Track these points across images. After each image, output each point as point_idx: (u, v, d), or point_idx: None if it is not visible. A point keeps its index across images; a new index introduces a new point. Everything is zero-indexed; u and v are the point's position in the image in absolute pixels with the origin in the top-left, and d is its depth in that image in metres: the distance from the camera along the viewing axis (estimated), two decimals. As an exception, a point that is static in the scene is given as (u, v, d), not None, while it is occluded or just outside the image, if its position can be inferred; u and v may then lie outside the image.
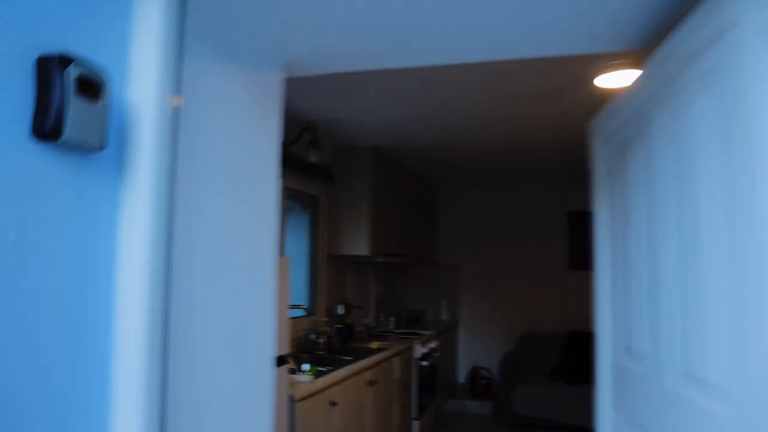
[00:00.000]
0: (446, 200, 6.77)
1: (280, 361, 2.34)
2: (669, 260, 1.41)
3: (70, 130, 1.00)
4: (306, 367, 3.05)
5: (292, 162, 3.75)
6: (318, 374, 3.03)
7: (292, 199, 4.31)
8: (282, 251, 3.46)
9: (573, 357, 5.78)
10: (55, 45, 1.00)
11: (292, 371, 2.94)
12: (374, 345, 4.11)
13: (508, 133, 4.34)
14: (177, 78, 1.27)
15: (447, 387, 6.05)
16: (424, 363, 4.79)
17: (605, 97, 2.99)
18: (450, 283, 6.66)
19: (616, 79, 2.86)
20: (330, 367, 3.25)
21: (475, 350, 6.54)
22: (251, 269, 1.72)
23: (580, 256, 6.23)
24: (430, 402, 5.19)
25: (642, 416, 1.64)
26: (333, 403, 3.02)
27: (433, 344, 5.13)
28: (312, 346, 3.93)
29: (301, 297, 4.37)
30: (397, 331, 5.37)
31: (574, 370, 5.66)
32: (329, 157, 4.56)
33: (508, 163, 5.40)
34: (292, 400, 2.58)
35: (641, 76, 1.62)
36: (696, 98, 1.26)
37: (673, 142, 1.39)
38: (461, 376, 6.55)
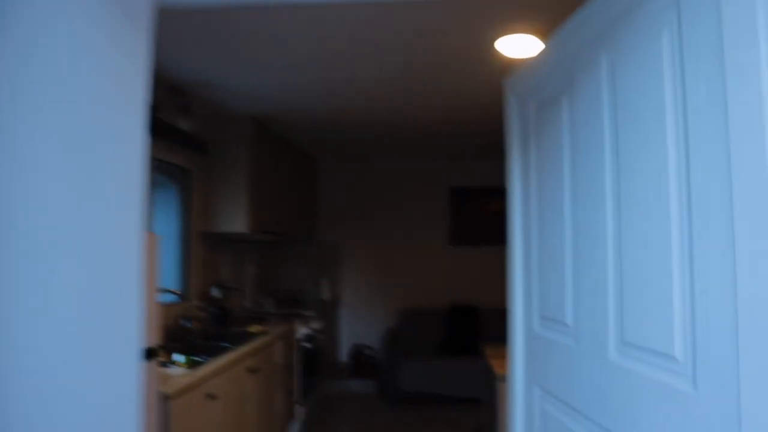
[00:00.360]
0: (327, 176, 6.54)
1: (150, 354, 2.00)
2: (598, 227, 1.31)
3: None
4: (179, 358, 2.71)
5: (160, 129, 3.32)
6: (193, 365, 2.70)
7: (160, 171, 3.86)
8: (149, 228, 3.06)
9: (456, 331, 5.86)
10: None
11: (164, 364, 2.59)
12: (254, 329, 3.82)
13: (397, 108, 4.20)
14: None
15: (330, 368, 5.89)
16: (307, 344, 4.58)
17: (503, 66, 2.92)
18: (331, 261, 6.47)
19: (518, 45, 2.74)
20: (206, 357, 2.92)
21: (358, 328, 6.43)
22: (109, 247, 1.38)
23: (462, 232, 6.34)
24: (315, 385, 5.00)
25: (562, 386, 1.55)
26: (211, 396, 2.71)
27: (315, 325, 4.92)
28: (185, 334, 3.55)
29: (171, 280, 3.96)
30: (278, 312, 5.09)
31: (458, 344, 5.75)
32: (203, 126, 4.14)
33: (393, 139, 5.28)
34: (166, 398, 2.25)
35: (575, 21, 1.46)
36: (652, 39, 1.12)
37: (615, 88, 1.26)
38: (344, 355, 6.42)
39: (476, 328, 5.86)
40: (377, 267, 6.42)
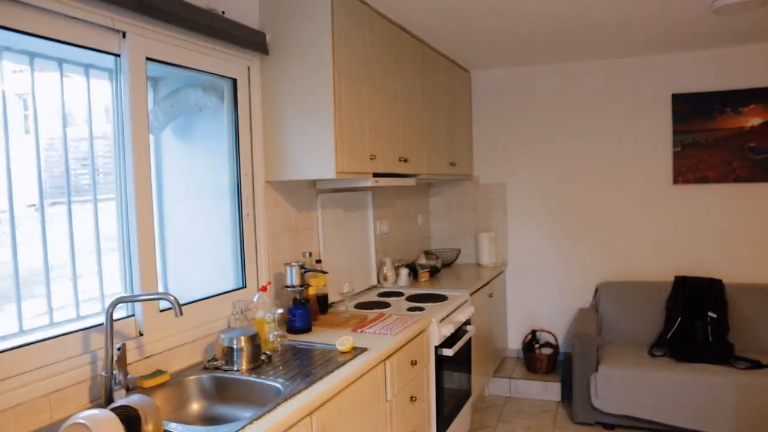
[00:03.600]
0: (485, 91, 4.66)
1: None
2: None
3: None
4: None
5: (177, 14, 1.81)
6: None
7: (196, 86, 2.39)
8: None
9: (686, 319, 3.77)
10: None
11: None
12: (344, 343, 2.25)
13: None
14: None
15: (493, 360, 4.21)
16: (448, 352, 2.93)
17: None
18: (493, 208, 4.67)
19: None
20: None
21: (534, 307, 4.61)
22: None
23: (694, 163, 4.11)
24: (462, 394, 3.37)
25: None
26: None
27: (464, 314, 3.24)
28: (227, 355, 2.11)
29: (225, 260, 2.55)
30: (410, 292, 3.49)
31: (690, 341, 3.68)
32: (256, 6, 2.58)
33: (571, 33, 3.25)
34: None
35: None
36: None
37: None
38: (513, 341, 4.68)
39: (720, 316, 3.71)
40: (562, 218, 4.48)
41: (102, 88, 1.99)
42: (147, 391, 1.85)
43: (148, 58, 2.03)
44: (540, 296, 4.56)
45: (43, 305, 1.78)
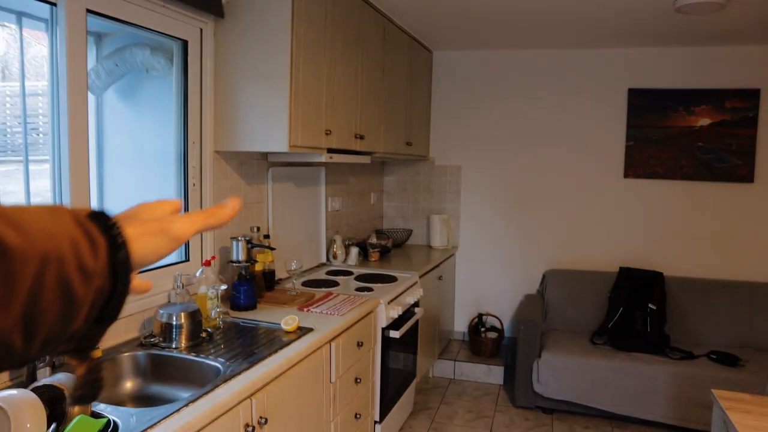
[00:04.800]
0: (445, 72, 4.61)
1: None
2: None
3: None
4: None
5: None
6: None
7: (144, 46, 2.24)
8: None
9: (627, 309, 3.87)
10: None
11: None
12: (290, 323, 2.19)
13: None
14: None
15: (440, 343, 4.23)
16: (395, 334, 2.90)
17: None
18: (447, 191, 4.66)
19: None
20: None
21: (481, 292, 4.65)
22: None
23: (643, 158, 4.18)
24: (407, 376, 3.37)
25: None
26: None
27: (413, 296, 3.22)
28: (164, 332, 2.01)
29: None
30: (360, 272, 3.44)
31: (630, 331, 3.78)
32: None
33: (542, 18, 3.22)
34: None
35: None
36: None
37: None
38: (460, 324, 4.71)
39: (659, 308, 3.83)
40: (514, 204, 4.50)
41: (42, 40, 1.83)
42: (77, 368, 1.74)
43: (88, 10, 1.88)
44: (488, 280, 4.60)
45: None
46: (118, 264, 0.43)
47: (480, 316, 4.50)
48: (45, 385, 1.44)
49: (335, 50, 2.79)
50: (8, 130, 1.88)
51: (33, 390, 1.41)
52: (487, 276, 4.60)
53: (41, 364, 1.62)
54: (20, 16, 1.75)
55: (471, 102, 4.53)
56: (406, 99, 3.95)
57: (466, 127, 4.56)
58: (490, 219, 4.56)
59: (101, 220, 0.44)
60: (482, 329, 4.40)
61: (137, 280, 0.51)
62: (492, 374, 4.15)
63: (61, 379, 1.46)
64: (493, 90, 4.47)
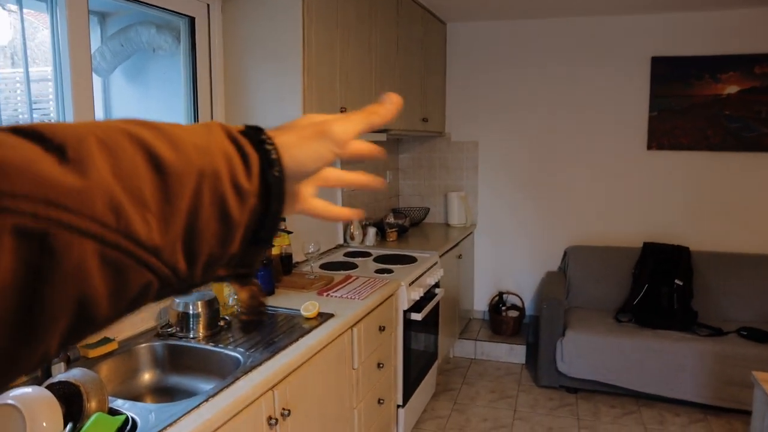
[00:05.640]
0: (460, 44, 4.46)
1: None
2: None
3: None
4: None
5: None
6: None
7: (150, 24, 2.15)
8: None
9: (653, 285, 3.77)
10: None
11: None
12: (310, 308, 2.12)
13: None
14: None
15: (459, 322, 4.16)
16: (416, 316, 2.83)
17: None
18: (464, 167, 4.54)
19: None
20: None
21: (501, 270, 4.55)
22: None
23: (667, 129, 4.03)
24: (429, 358, 3.31)
25: None
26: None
27: (433, 276, 3.14)
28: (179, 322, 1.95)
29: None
30: (378, 252, 3.37)
31: (656, 307, 3.69)
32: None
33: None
34: None
35: None
36: None
37: None
38: (480, 303, 4.64)
39: (685, 283, 3.72)
40: (534, 180, 4.39)
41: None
42: (91, 363, 1.68)
43: (91, -12, 1.78)
44: (508, 258, 4.50)
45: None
46: (271, 182, 0.40)
47: (500, 294, 4.42)
48: (60, 382, 1.39)
49: (348, 24, 2.67)
50: (19, 116, 1.81)
51: (48, 387, 1.36)
52: (506, 254, 4.51)
53: (56, 360, 1.57)
54: (19, -5, 1.66)
55: (487, 75, 4.39)
56: (420, 74, 3.82)
57: (482, 101, 4.42)
58: (508, 195, 4.45)
59: (255, 134, 0.41)
60: (503, 308, 4.32)
61: (318, 201, 0.49)
62: (514, 353, 4.09)
63: (77, 375, 1.40)
64: (509, 62, 4.32)
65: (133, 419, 1.36)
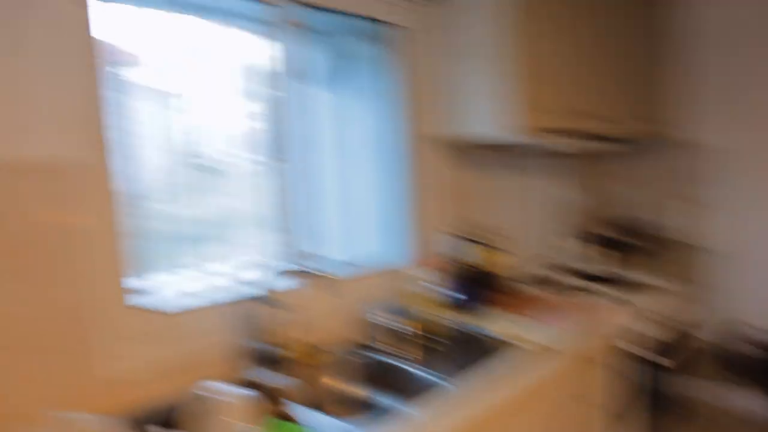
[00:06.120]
0: (694, 26, 3.82)
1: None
2: None
3: None
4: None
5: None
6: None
7: (353, 33, 2.16)
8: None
9: None
10: None
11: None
12: (530, 337, 1.87)
13: None
14: None
15: (685, 358, 3.51)
16: (662, 360, 2.39)
17: None
18: (711, 179, 3.87)
19: None
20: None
21: (744, 299, 3.74)
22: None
23: None
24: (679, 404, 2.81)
25: None
26: None
27: (680, 311, 2.66)
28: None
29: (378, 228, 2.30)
30: (605, 273, 2.99)
31: None
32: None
33: None
34: None
35: None
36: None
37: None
38: (711, 336, 3.86)
39: None
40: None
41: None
42: (298, 368, 1.64)
43: (301, 3, 1.79)
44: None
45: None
46: None
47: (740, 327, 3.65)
48: (260, 384, 1.37)
49: (561, 18, 2.40)
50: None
51: (248, 386, 1.34)
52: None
53: (260, 362, 1.55)
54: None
55: (745, 65, 3.65)
56: (647, 70, 3.36)
57: (739, 95, 3.66)
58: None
59: None
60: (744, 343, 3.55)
61: None
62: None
63: (278, 380, 1.37)
64: None
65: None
